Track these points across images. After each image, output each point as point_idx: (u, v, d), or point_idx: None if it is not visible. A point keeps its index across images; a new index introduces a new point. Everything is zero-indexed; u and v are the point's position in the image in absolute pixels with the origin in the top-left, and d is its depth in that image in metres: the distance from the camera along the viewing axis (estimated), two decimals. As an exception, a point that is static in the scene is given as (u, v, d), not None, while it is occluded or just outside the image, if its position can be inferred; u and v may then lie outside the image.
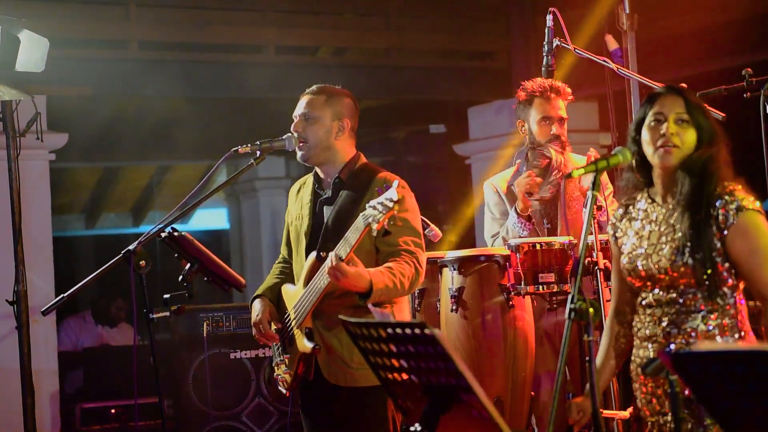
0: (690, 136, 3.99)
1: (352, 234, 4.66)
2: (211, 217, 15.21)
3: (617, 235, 4.20)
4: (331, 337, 4.96)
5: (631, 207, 4.18)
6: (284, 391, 5.18)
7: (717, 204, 3.91)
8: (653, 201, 4.10)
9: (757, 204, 3.92)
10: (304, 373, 5.03)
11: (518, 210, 5.89)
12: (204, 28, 9.24)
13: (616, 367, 4.26)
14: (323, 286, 4.82)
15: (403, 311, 5.06)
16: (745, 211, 3.88)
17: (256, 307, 5.18)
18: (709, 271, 3.91)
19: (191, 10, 9.26)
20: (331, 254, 4.68)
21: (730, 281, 3.95)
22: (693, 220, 3.93)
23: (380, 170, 5.06)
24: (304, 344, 4.94)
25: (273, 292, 5.23)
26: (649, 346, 4.04)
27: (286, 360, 5.10)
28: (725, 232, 3.90)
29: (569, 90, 6.06)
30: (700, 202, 3.93)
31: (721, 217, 3.90)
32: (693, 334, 3.94)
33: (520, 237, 5.82)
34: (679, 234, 3.95)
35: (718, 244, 3.91)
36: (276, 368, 5.17)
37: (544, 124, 5.98)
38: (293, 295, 5.08)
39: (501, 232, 6.01)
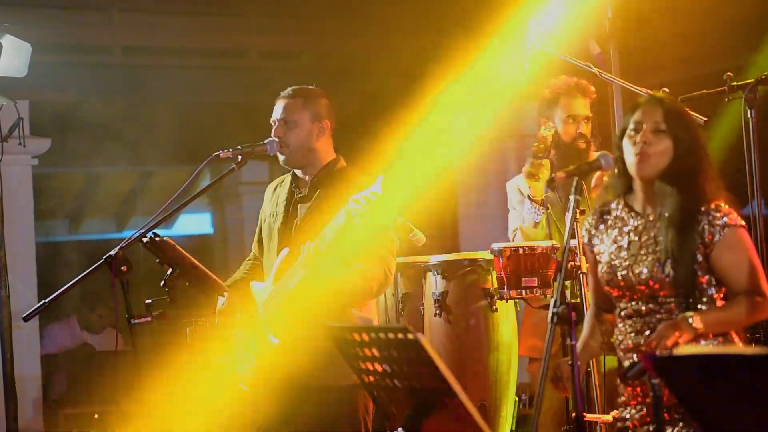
0: (665, 146, 4.00)
1: (331, 229, 4.65)
2: (195, 222, 15.16)
3: (593, 242, 4.21)
4: (297, 335, 4.95)
5: (606, 215, 4.19)
6: (246, 388, 5.16)
7: (703, 220, 3.95)
8: (631, 210, 4.11)
9: (741, 221, 3.98)
10: (269, 371, 5.01)
11: (530, 196, 5.86)
12: (187, 33, 9.22)
13: (594, 352, 4.30)
14: (294, 282, 4.81)
15: (369, 312, 5.06)
16: (730, 227, 3.94)
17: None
18: (689, 283, 3.93)
19: (174, 15, 9.24)
20: (308, 244, 4.65)
21: (710, 291, 3.98)
22: (677, 234, 3.95)
23: (358, 173, 5.07)
24: (270, 340, 4.92)
25: (240, 286, 5.23)
26: (634, 356, 4.05)
27: (251, 357, 5.08)
28: (711, 249, 3.94)
29: (593, 88, 5.99)
30: (685, 217, 3.96)
31: (707, 233, 3.94)
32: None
33: (536, 222, 5.79)
34: (662, 246, 3.97)
35: (701, 258, 3.95)
36: (239, 366, 5.15)
37: (569, 123, 5.89)
38: (261, 291, 5.07)
39: (519, 223, 5.96)
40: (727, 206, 3.98)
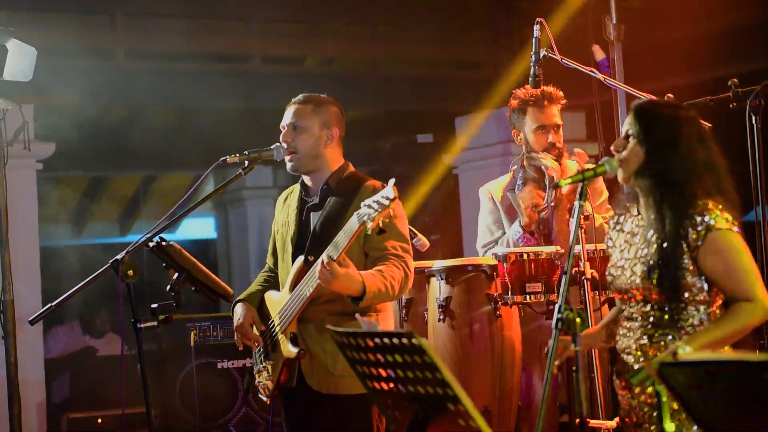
0: (633, 150, 3.99)
1: (344, 235, 4.65)
2: (199, 227, 15.19)
3: (609, 245, 4.23)
4: (315, 344, 4.95)
5: (622, 218, 4.20)
6: (265, 398, 5.16)
7: (686, 224, 3.90)
8: (639, 214, 4.12)
9: (728, 222, 3.89)
10: (287, 380, 5.01)
11: (522, 225, 5.85)
12: (190, 37, 9.23)
13: (606, 341, 4.27)
14: (311, 290, 4.82)
15: (387, 320, 5.05)
16: (714, 230, 3.87)
17: (238, 311, 5.18)
18: (676, 289, 3.91)
19: (177, 19, 9.26)
20: (323, 255, 4.66)
21: (701, 297, 3.95)
22: (660, 238, 3.94)
23: (368, 178, 5.07)
24: (289, 349, 4.92)
25: (255, 298, 5.22)
26: (624, 357, 4.07)
27: (269, 367, 5.07)
28: (696, 253, 3.89)
29: (561, 94, 5.96)
30: (670, 220, 3.93)
31: (691, 237, 3.89)
32: (665, 347, 3.94)
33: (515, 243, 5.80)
34: (652, 250, 3.96)
35: (688, 262, 3.91)
36: (257, 375, 5.15)
37: (539, 133, 5.90)
38: (278, 300, 5.07)
39: (501, 243, 5.95)
40: (717, 208, 3.90)
